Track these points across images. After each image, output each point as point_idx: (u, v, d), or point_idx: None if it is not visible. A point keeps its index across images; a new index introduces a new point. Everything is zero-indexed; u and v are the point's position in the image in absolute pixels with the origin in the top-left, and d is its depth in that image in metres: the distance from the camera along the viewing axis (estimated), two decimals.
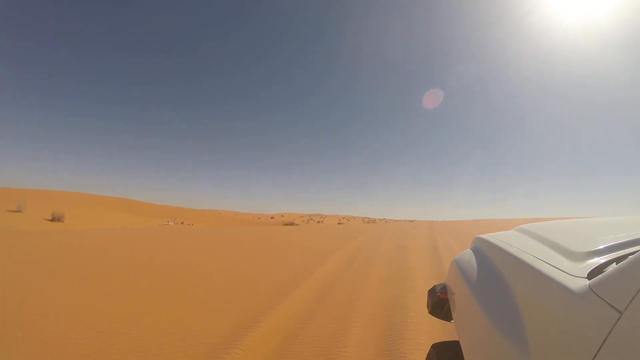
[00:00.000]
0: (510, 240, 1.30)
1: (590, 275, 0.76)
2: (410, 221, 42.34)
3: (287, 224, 33.57)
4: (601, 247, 0.94)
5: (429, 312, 1.59)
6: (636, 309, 0.58)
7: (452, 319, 1.44)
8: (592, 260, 0.87)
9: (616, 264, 0.76)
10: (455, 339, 1.34)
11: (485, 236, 1.52)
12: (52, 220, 20.41)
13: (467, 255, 1.50)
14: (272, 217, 79.04)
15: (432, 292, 1.59)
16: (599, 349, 0.60)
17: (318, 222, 52.42)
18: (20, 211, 20.75)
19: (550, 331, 0.75)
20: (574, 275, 0.80)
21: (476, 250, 1.48)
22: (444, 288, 1.57)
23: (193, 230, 14.70)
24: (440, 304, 1.53)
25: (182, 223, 14.51)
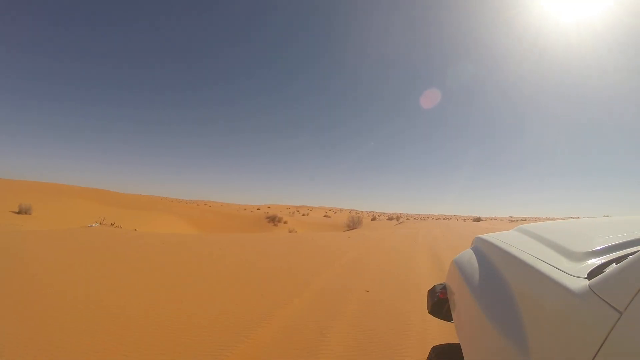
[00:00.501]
0: (510, 240, 1.30)
1: (590, 276, 0.76)
2: (398, 219, 41.97)
3: (269, 217, 33.19)
4: (601, 247, 0.93)
5: (429, 312, 1.59)
6: (636, 309, 0.58)
7: (452, 319, 1.43)
8: (592, 260, 0.87)
9: (616, 264, 0.76)
10: (456, 340, 1.33)
11: (485, 236, 1.51)
12: (19, 212, 19.57)
13: (467, 255, 1.49)
14: (258, 209, 78.66)
15: (432, 292, 1.59)
16: (599, 349, 0.60)
17: (303, 214, 52.12)
18: None
19: (550, 331, 0.75)
20: (573, 276, 0.80)
21: (476, 250, 1.47)
22: (444, 288, 1.56)
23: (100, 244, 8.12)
24: (440, 304, 1.53)
25: (112, 224, 11.16)
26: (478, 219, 41.07)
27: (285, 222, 32.48)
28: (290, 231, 23.95)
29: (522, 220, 48.53)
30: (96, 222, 11.25)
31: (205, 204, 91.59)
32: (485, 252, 1.38)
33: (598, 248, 0.93)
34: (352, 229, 27.53)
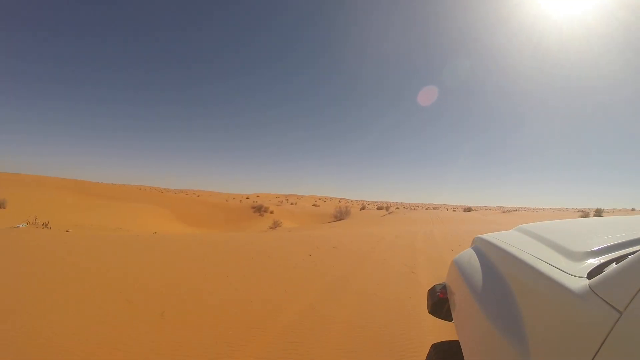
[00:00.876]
0: (510, 240, 1.30)
1: (590, 275, 0.77)
2: (387, 208, 40.90)
3: (255, 207, 32.60)
4: (601, 247, 0.94)
5: (429, 312, 1.58)
6: (636, 309, 0.59)
7: (452, 319, 1.42)
8: (592, 260, 0.87)
9: (616, 264, 0.76)
10: (456, 338, 1.33)
11: (485, 236, 1.50)
12: None
13: (467, 255, 1.49)
14: (247, 198, 78.51)
15: (432, 291, 1.58)
16: (599, 349, 0.61)
17: (292, 204, 51.57)
18: None
19: (550, 331, 0.75)
20: (573, 275, 0.80)
21: (476, 250, 1.47)
22: (444, 288, 1.55)
23: None
24: (440, 303, 1.52)
25: (44, 225, 8.82)
26: (469, 209, 40.95)
27: (271, 212, 31.90)
28: (274, 223, 23.41)
29: (512, 210, 48.68)
30: (24, 223, 9.18)
31: (194, 193, 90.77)
32: (485, 252, 1.37)
33: (598, 248, 0.93)
34: (339, 220, 27.14)
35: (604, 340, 0.60)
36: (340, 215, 29.05)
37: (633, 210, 48.08)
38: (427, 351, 1.71)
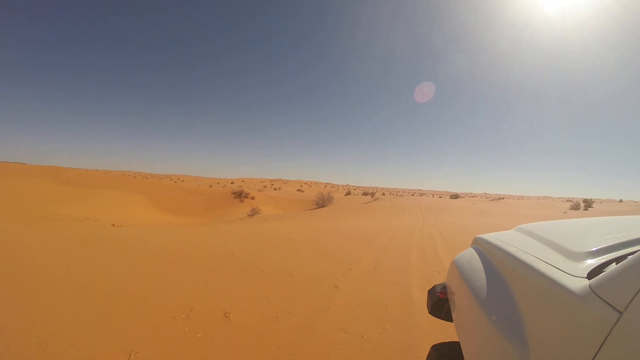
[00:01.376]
0: (510, 240, 1.29)
1: (590, 275, 0.77)
2: (373, 194, 39.94)
3: (235, 193, 31.42)
4: (601, 247, 0.94)
5: (429, 312, 1.56)
6: (636, 309, 0.59)
7: (452, 319, 1.41)
8: (592, 260, 0.87)
9: (616, 264, 0.76)
10: (455, 339, 1.34)
11: (485, 236, 1.50)
12: None
13: (467, 255, 1.48)
14: (232, 182, 77.46)
15: (432, 292, 1.57)
16: (599, 349, 0.61)
17: (275, 189, 50.44)
18: None
19: (550, 331, 0.75)
20: (573, 275, 0.80)
21: (476, 250, 1.46)
22: (444, 288, 1.54)
23: None
24: (440, 304, 1.50)
25: None
26: (455, 196, 40.60)
27: (252, 198, 30.84)
28: (252, 210, 22.36)
29: (499, 198, 48.65)
30: None
31: (179, 179, 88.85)
32: (485, 252, 1.36)
33: (598, 248, 0.93)
34: (321, 207, 26.23)
35: (604, 341, 0.60)
36: (322, 202, 28.10)
37: (621, 201, 48.49)
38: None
